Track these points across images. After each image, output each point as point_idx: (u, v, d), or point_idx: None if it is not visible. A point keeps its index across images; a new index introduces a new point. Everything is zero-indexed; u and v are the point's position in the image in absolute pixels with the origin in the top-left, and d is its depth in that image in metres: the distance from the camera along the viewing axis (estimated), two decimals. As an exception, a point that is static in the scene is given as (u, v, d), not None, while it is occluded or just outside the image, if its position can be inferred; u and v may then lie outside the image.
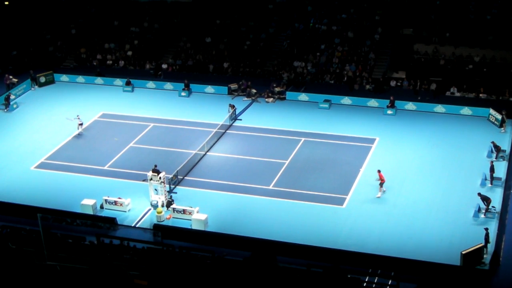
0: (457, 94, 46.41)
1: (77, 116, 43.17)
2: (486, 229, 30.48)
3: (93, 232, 30.39)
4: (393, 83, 48.33)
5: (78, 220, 32.76)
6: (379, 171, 35.62)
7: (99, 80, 52.04)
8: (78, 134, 42.84)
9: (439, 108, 44.81)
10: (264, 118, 44.99)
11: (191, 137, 42.22)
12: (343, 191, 35.63)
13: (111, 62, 54.20)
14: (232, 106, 44.80)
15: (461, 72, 47.91)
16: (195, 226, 32.86)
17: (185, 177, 37.39)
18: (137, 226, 33.34)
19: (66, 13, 59.07)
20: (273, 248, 30.11)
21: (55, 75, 52.44)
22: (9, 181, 37.81)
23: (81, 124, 43.01)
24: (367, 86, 48.36)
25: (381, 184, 35.11)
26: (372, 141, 41.10)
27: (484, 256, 29.53)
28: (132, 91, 50.20)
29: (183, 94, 49.06)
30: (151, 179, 34.51)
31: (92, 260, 24.04)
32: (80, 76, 52.46)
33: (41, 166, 39.41)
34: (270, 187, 36.40)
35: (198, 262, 26.27)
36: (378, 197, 34.86)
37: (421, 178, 36.65)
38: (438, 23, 50.91)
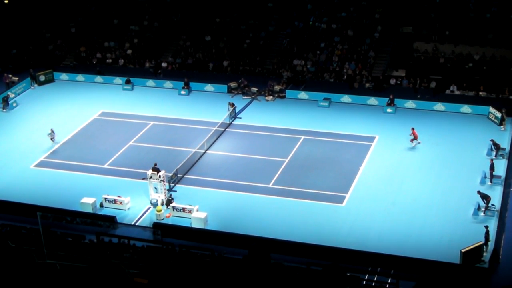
0: (457, 92, 46.36)
1: (51, 130, 41.41)
2: (486, 227, 30.49)
3: (92, 230, 30.41)
4: (392, 81, 48.30)
5: (77, 218, 32.77)
6: (412, 129, 39.14)
7: (98, 78, 51.99)
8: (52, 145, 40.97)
9: (439, 106, 44.77)
10: (263, 116, 44.97)
11: (190, 135, 42.18)
12: (343, 189, 35.62)
13: (110, 60, 54.15)
14: (232, 105, 44.77)
15: (461, 70, 47.85)
16: (194, 225, 32.85)
17: (185, 176, 37.38)
18: (136, 224, 33.36)
19: (65, 11, 58.98)
20: (268, 246, 30.07)
21: (55, 73, 52.38)
22: (9, 180, 37.81)
23: (52, 139, 41.16)
24: (367, 84, 48.32)
25: (412, 140, 39.05)
26: (371, 139, 41.08)
27: (484, 254, 29.54)
28: (132, 89, 50.16)
29: (182, 92, 49.02)
30: (150, 177, 34.49)
31: (92, 259, 24.03)
32: (80, 75, 52.44)
33: (41, 164, 39.41)
34: (270, 186, 36.39)
35: (198, 260, 26.27)
36: (413, 146, 39.29)
37: (421, 176, 36.64)
38: (438, 21, 50.84)
